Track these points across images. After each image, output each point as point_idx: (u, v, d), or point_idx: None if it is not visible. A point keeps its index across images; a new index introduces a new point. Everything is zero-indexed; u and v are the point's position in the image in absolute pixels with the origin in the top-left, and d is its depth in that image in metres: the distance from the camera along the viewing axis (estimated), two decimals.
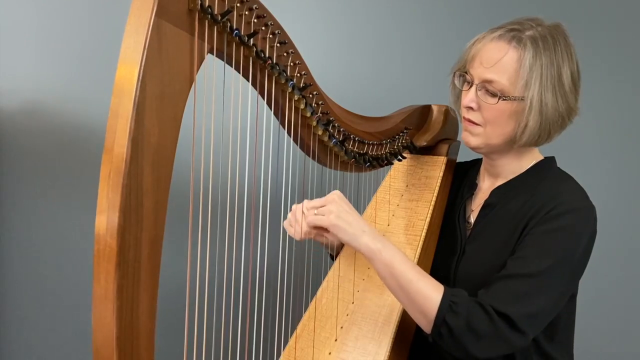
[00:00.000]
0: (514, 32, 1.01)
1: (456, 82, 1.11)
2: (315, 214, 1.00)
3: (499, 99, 1.01)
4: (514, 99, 1.00)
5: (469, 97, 1.05)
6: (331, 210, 0.97)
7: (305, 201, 1.05)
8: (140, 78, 0.65)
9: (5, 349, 2.03)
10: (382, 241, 0.97)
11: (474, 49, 1.06)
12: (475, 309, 0.94)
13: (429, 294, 0.95)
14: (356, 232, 0.96)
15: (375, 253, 0.96)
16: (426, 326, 0.97)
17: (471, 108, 1.06)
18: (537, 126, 1.01)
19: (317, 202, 1.02)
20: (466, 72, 1.07)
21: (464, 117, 1.10)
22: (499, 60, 1.00)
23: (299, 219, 1.05)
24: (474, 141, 1.09)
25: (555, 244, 0.98)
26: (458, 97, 1.14)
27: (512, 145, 1.06)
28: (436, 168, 1.29)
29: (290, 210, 1.08)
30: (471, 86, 1.05)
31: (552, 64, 0.99)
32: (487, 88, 1.02)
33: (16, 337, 2.03)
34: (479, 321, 0.93)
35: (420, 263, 1.13)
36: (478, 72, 1.04)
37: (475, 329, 0.93)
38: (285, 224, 1.10)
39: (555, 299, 0.99)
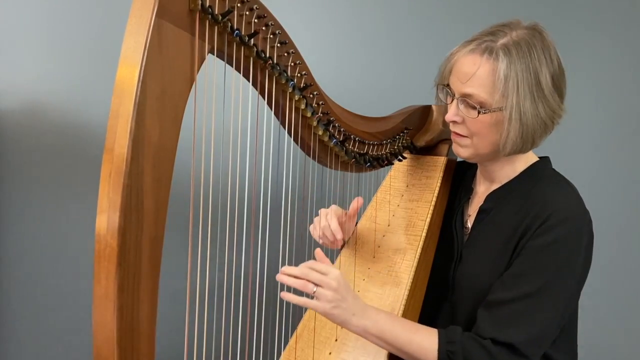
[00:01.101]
0: (487, 43, 1.00)
1: (441, 95, 1.11)
2: (314, 292, 0.94)
3: (478, 113, 1.01)
4: (494, 111, 1.00)
5: (452, 111, 1.05)
6: (328, 299, 0.94)
7: (311, 262, 0.99)
8: (141, 78, 0.65)
9: (5, 349, 2.03)
10: (369, 317, 0.97)
11: (450, 64, 1.06)
12: (472, 348, 0.96)
13: (426, 346, 0.97)
14: (347, 318, 0.96)
15: (364, 331, 0.97)
16: None
17: (455, 122, 1.06)
18: (519, 135, 1.00)
19: (315, 275, 0.94)
20: (447, 85, 1.07)
21: (451, 130, 1.10)
22: (474, 74, 1.00)
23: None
24: (463, 152, 1.09)
25: (552, 259, 0.97)
26: (446, 109, 1.14)
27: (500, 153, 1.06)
28: (436, 168, 1.29)
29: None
30: (453, 99, 1.05)
31: (528, 70, 0.97)
32: (467, 101, 1.02)
33: (16, 337, 2.03)
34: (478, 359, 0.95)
35: (421, 263, 1.13)
36: (456, 86, 1.04)
37: None
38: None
39: (558, 313, 0.98)
